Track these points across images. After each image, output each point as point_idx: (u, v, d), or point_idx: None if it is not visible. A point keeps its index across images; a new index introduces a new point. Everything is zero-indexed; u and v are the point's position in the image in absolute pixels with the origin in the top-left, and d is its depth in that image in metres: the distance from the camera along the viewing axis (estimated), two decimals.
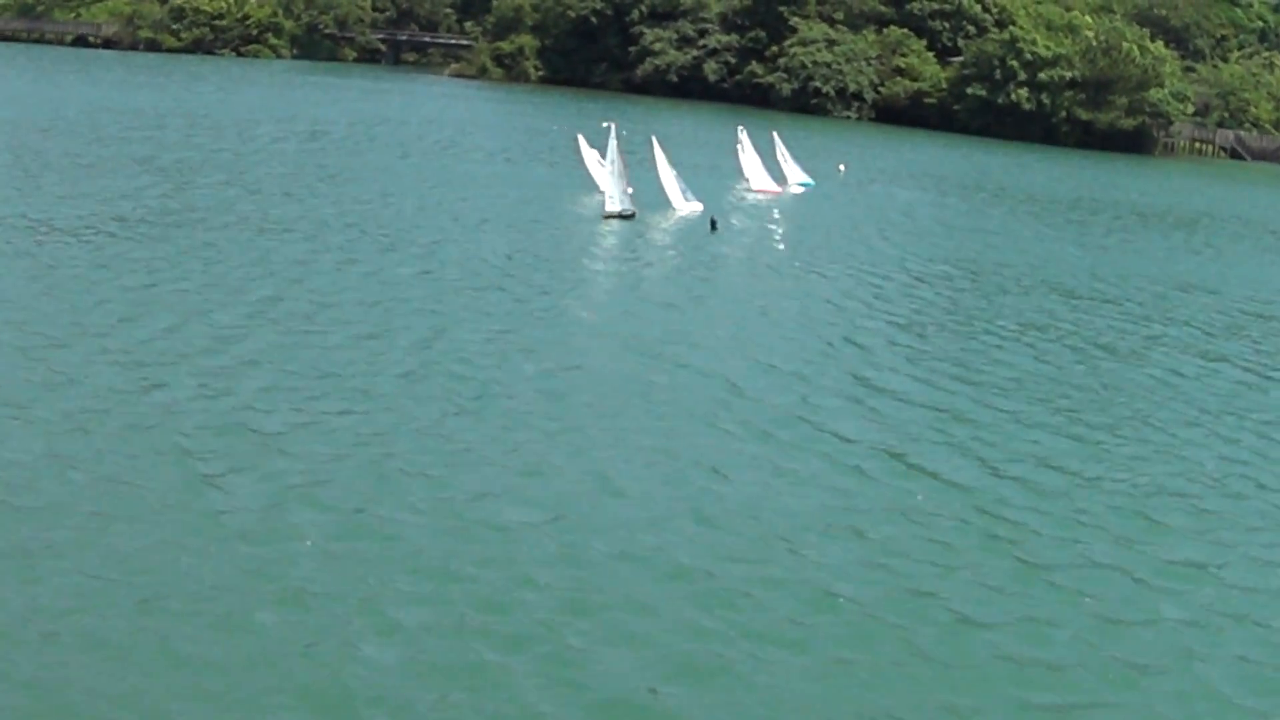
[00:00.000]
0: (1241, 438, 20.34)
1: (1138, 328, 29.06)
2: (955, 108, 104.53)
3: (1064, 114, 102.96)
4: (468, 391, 18.75)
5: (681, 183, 40.49)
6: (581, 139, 38.19)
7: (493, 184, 43.29)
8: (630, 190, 37.47)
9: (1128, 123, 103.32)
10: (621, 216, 36.83)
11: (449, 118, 69.34)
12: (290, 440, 16.07)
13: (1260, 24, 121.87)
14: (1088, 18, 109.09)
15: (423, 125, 62.58)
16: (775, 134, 52.84)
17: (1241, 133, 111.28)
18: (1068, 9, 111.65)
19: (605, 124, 37.86)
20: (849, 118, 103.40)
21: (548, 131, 64.25)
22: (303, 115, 61.98)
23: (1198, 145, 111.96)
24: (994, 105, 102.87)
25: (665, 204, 39.51)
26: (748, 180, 48.15)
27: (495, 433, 16.99)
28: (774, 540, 14.28)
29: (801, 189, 49.70)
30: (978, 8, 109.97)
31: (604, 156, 38.14)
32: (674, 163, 40.97)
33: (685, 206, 39.74)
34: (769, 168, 49.14)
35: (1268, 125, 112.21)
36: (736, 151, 48.63)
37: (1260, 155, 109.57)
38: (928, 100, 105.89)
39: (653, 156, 40.68)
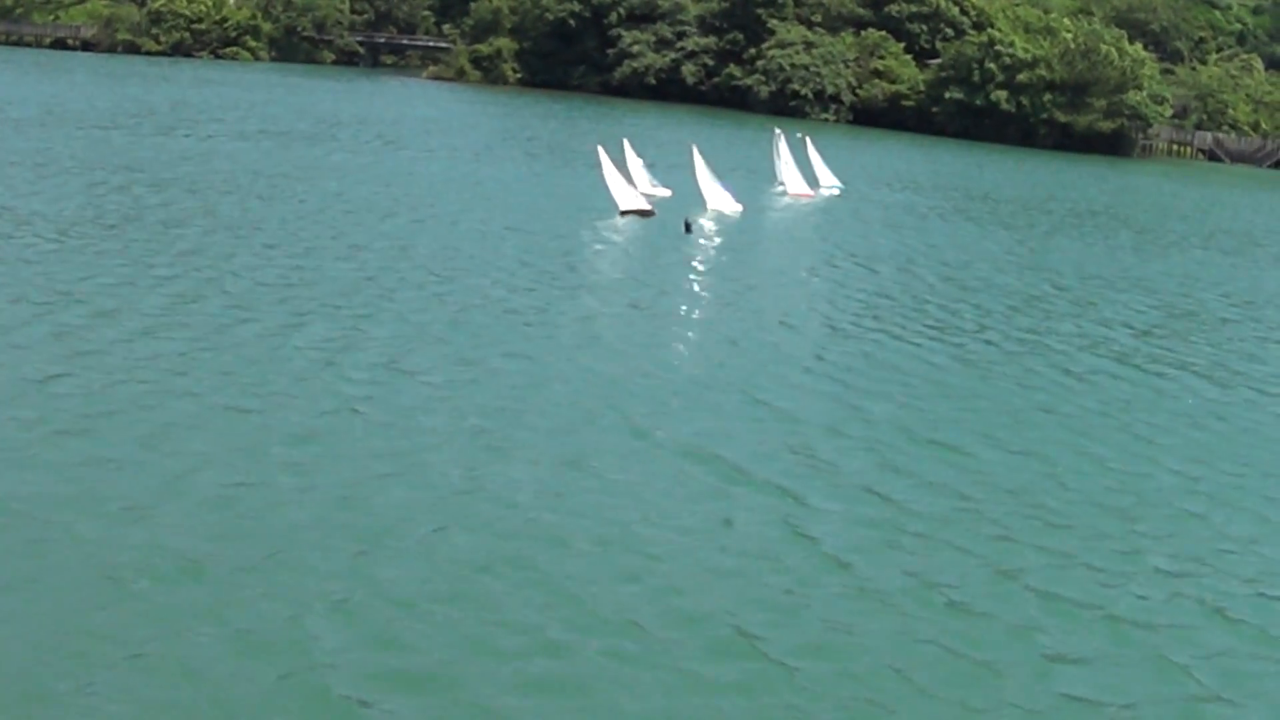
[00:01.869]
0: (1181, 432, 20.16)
1: (1076, 326, 28.85)
2: (933, 110, 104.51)
3: (1042, 116, 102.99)
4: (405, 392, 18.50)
5: (723, 185, 41.77)
6: (600, 148, 39.02)
7: (489, 185, 43.17)
8: (653, 192, 39.62)
9: (1106, 125, 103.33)
10: (640, 213, 37.80)
11: (443, 118, 69.15)
12: (267, 433, 15.91)
13: (1239, 26, 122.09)
14: (1066, 20, 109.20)
15: (410, 124, 62.36)
16: (808, 139, 53.77)
17: (1220, 135, 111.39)
18: (1046, 11, 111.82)
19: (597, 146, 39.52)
20: (827, 120, 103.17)
21: (531, 131, 63.91)
22: (272, 115, 61.68)
23: (1176, 147, 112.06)
24: (972, 107, 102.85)
25: (700, 205, 40.46)
26: (783, 184, 48.90)
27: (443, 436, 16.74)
28: (726, 555, 14.00)
29: (832, 192, 50.68)
30: (955, 10, 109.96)
31: (621, 162, 39.34)
32: (714, 167, 42.27)
33: (727, 207, 40.97)
34: (803, 172, 49.88)
35: (1246, 127, 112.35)
36: (771, 155, 49.61)
37: (1238, 157, 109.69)
38: (905, 102, 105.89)
39: (691, 162, 41.94)
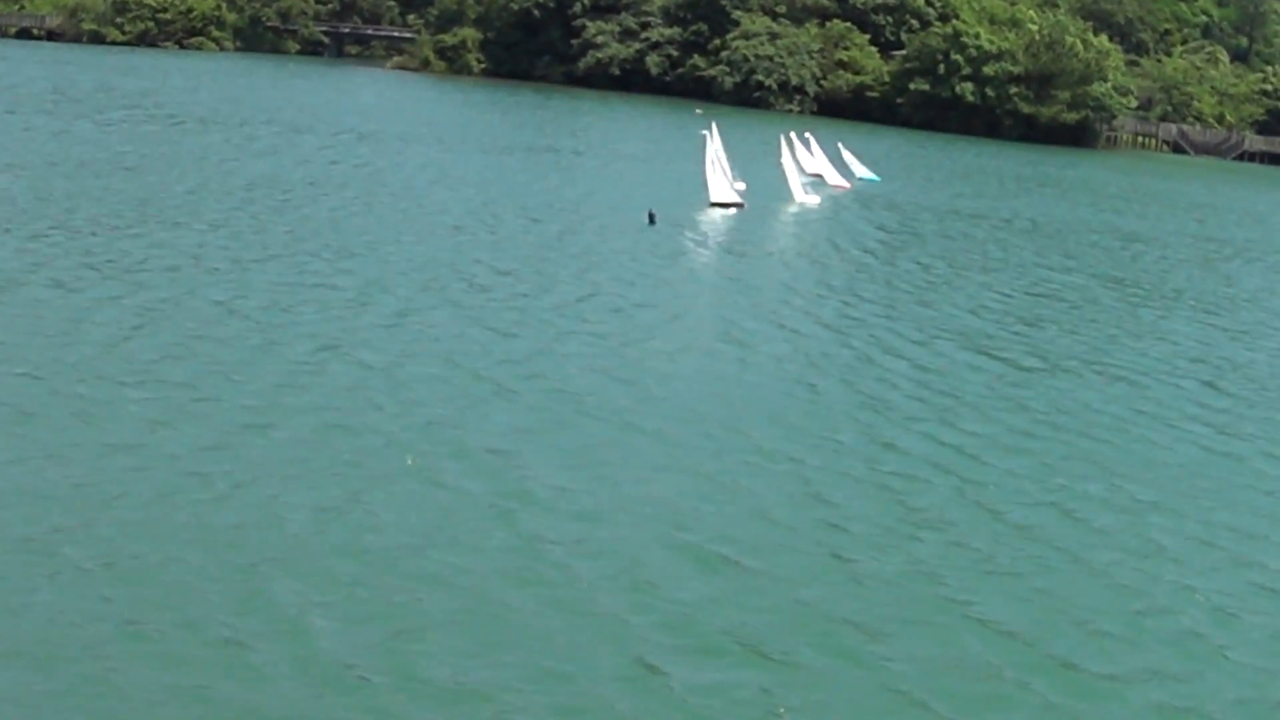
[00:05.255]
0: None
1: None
2: (898, 101, 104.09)
3: (1007, 108, 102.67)
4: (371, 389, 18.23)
5: (804, 178, 44.49)
6: (709, 135, 40.23)
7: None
8: (740, 185, 41.21)
9: (1070, 116, 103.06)
10: (727, 205, 39.76)
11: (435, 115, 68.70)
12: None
13: (1204, 18, 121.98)
14: (1032, 12, 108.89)
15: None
16: (840, 143, 57.91)
17: (1184, 126, 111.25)
18: (1012, 3, 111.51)
19: (704, 131, 40.64)
20: (791, 111, 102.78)
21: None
22: (194, 102, 61.31)
23: (1141, 139, 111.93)
24: (937, 99, 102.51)
25: (785, 197, 43.16)
26: (820, 176, 51.73)
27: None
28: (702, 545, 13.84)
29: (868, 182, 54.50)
30: (920, 1, 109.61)
31: (712, 154, 40.61)
32: (797, 159, 45.38)
33: (805, 199, 43.53)
34: (836, 166, 53.59)
35: (1210, 119, 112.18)
36: (802, 150, 52.48)
37: (1203, 149, 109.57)
38: (870, 94, 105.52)
39: (779, 154, 44.88)
